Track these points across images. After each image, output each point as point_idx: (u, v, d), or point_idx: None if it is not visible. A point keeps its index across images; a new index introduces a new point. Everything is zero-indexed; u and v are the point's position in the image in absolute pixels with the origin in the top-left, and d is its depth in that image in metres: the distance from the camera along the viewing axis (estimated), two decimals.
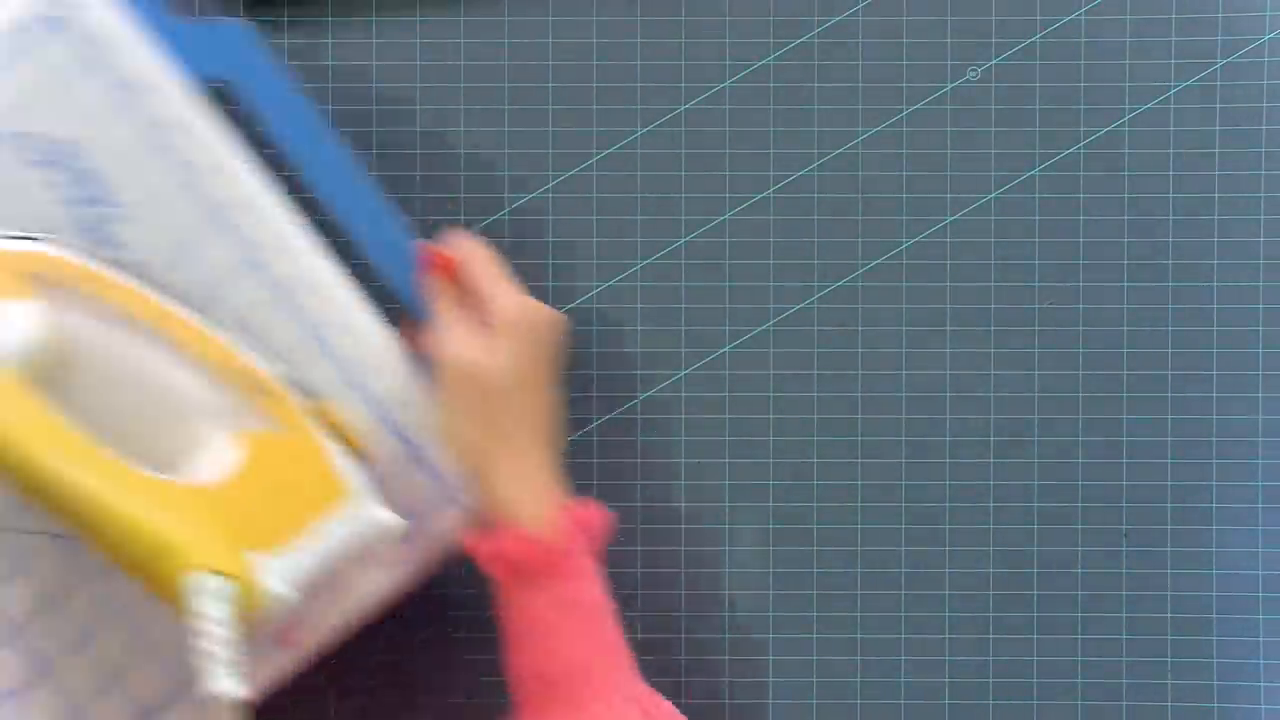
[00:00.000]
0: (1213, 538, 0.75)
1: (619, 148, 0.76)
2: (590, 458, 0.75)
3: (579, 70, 0.76)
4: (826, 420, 0.75)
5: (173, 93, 0.61)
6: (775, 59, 0.76)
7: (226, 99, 0.64)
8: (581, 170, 0.76)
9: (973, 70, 0.75)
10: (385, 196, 0.67)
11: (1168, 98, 0.75)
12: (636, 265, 0.76)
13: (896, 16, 0.75)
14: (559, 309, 0.67)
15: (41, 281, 0.57)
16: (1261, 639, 0.76)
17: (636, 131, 0.76)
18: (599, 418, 0.75)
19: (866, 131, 0.76)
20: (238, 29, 0.65)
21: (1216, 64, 0.75)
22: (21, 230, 0.60)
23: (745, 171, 0.76)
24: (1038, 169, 0.75)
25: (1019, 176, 0.75)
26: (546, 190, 0.76)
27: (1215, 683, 0.75)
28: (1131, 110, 0.75)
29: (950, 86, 0.76)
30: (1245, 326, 0.75)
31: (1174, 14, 0.75)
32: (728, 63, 0.76)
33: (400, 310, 0.67)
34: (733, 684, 0.76)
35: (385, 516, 0.62)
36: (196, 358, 0.60)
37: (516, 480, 0.64)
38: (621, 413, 0.75)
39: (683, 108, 0.76)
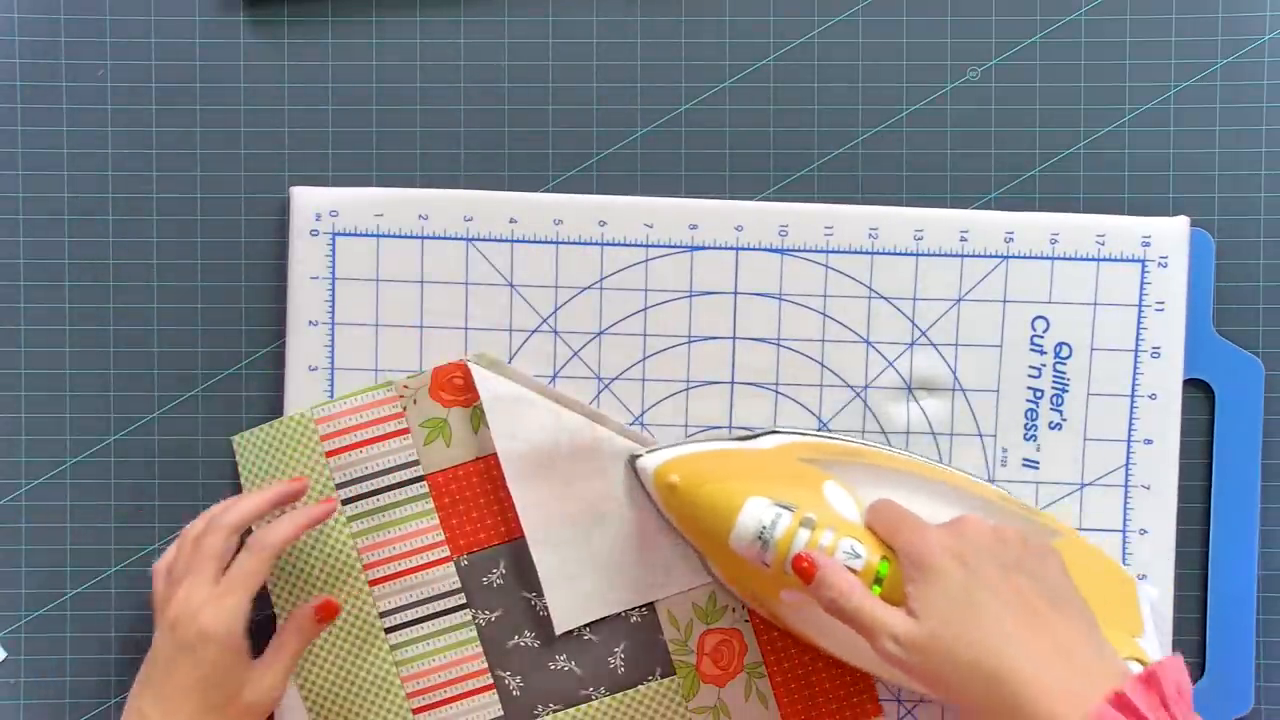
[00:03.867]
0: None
1: (619, 148, 0.76)
2: None
3: (579, 70, 0.76)
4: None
5: None
6: (775, 59, 0.76)
7: None
8: (581, 170, 0.76)
9: (973, 70, 0.75)
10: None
11: (1168, 98, 0.75)
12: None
13: (896, 16, 0.75)
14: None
15: (817, 463, 0.71)
16: (1261, 639, 0.76)
17: (637, 131, 0.76)
18: None
19: (866, 131, 0.76)
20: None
21: (1216, 64, 0.75)
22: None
23: (745, 171, 0.76)
24: (1038, 169, 0.75)
25: (1019, 176, 0.75)
26: (547, 191, 0.76)
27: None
28: (1131, 110, 0.75)
29: (950, 86, 0.76)
30: (1245, 326, 0.75)
31: (1174, 14, 0.75)
32: (728, 63, 0.76)
33: None
34: None
35: (1152, 591, 0.73)
36: (979, 493, 0.72)
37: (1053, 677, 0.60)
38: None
39: (683, 108, 0.76)
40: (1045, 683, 0.59)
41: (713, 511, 0.69)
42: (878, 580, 0.65)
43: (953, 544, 0.64)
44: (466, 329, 0.75)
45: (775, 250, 0.75)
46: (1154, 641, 0.71)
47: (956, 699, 0.62)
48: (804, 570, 0.66)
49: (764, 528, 0.67)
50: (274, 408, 0.76)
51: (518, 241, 0.75)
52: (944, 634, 0.61)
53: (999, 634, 0.61)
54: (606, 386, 0.75)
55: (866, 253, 0.75)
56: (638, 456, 0.73)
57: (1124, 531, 0.75)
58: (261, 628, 0.76)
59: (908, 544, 0.65)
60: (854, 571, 0.65)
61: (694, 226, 0.75)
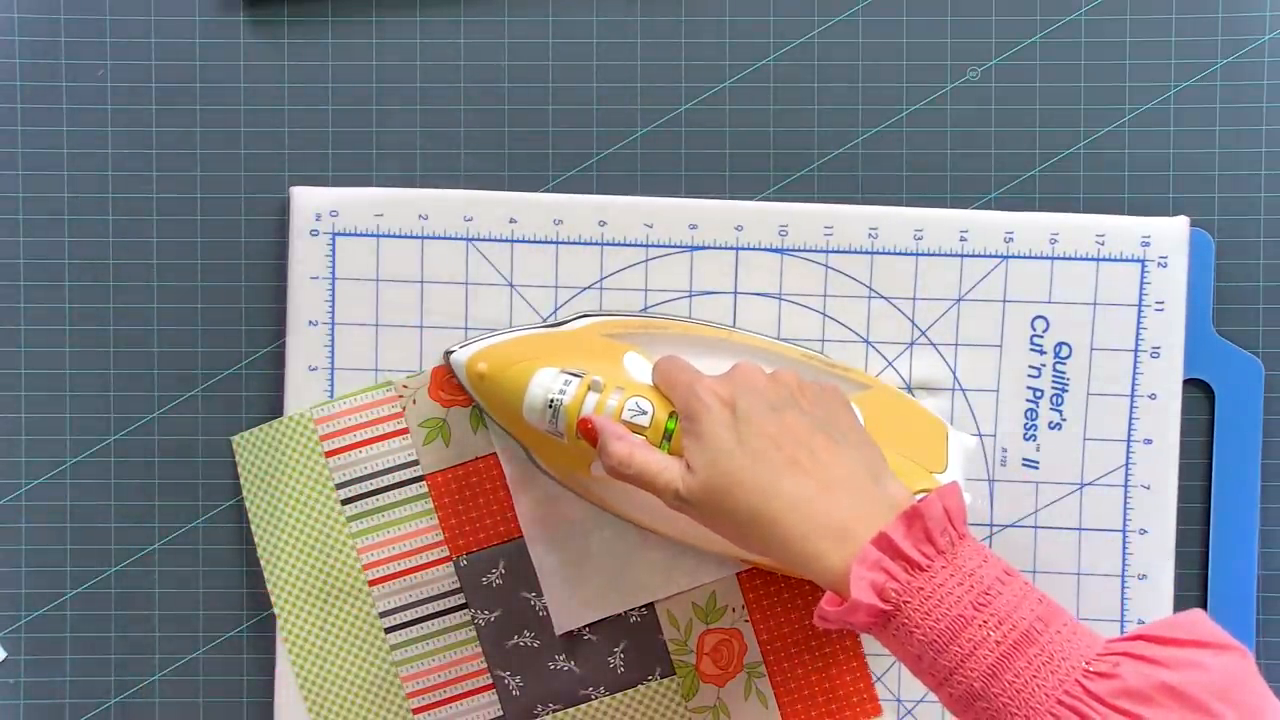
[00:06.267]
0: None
1: (619, 148, 0.76)
2: None
3: (579, 70, 0.76)
4: None
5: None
6: (775, 59, 0.76)
7: None
8: (581, 170, 0.76)
9: (973, 70, 0.75)
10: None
11: (1168, 98, 0.75)
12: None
13: (896, 16, 0.75)
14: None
15: (622, 338, 0.71)
16: (1261, 639, 0.76)
17: (637, 131, 0.76)
18: None
19: (866, 131, 0.76)
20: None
21: (1216, 64, 0.75)
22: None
23: (745, 171, 0.76)
24: (1038, 169, 0.75)
25: (1019, 176, 0.75)
26: (547, 190, 0.76)
27: None
28: (1131, 110, 0.75)
29: (950, 86, 0.76)
30: (1245, 326, 0.75)
31: (1174, 14, 0.75)
32: (728, 63, 0.76)
33: None
34: None
35: (970, 439, 0.73)
36: (780, 351, 0.73)
37: (810, 530, 0.58)
38: None
39: (683, 108, 0.76)
40: (812, 521, 0.58)
41: (516, 392, 0.68)
42: (667, 436, 0.64)
43: (723, 390, 0.62)
44: (466, 329, 0.75)
45: (775, 250, 0.75)
46: (957, 477, 0.71)
47: (742, 544, 0.61)
48: (589, 433, 0.65)
49: (552, 396, 0.66)
50: (274, 408, 0.76)
51: (518, 241, 0.75)
52: (717, 480, 0.60)
53: (767, 474, 0.59)
54: None
55: (866, 253, 0.75)
56: (451, 351, 0.73)
57: (1124, 531, 0.75)
58: (261, 627, 0.76)
59: (681, 396, 0.64)
60: (643, 429, 0.64)
61: (694, 226, 0.75)
